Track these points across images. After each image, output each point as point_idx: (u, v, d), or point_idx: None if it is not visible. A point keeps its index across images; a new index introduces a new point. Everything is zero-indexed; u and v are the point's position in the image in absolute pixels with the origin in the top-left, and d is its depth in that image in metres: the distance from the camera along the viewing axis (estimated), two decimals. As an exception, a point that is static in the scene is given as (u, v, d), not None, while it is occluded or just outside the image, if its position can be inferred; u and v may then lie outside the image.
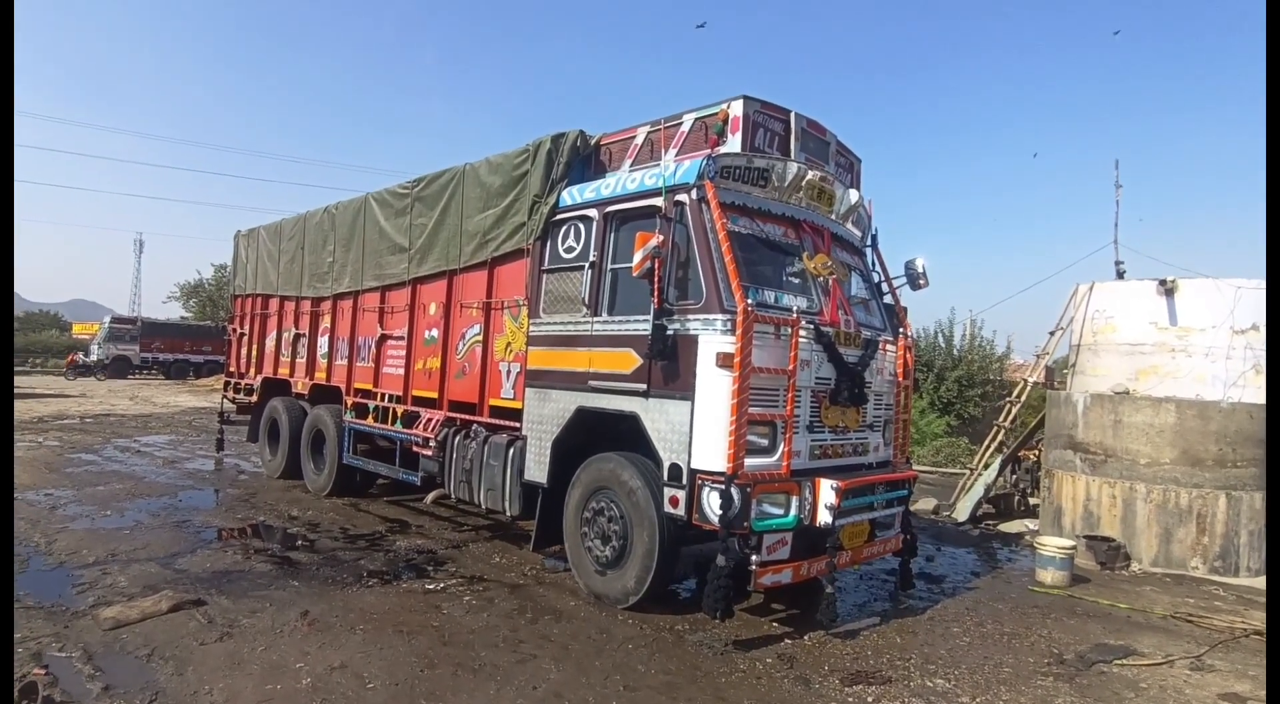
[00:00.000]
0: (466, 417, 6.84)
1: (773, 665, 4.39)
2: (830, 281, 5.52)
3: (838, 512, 4.85)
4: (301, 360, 9.65)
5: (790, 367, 4.86)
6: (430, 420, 7.19)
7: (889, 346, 6.07)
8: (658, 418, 5.05)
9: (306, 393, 9.44)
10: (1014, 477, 10.61)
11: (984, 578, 6.74)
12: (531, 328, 6.12)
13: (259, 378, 10.56)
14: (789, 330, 4.88)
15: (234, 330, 11.62)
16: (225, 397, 11.63)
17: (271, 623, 4.68)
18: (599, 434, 5.58)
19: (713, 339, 4.79)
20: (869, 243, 6.73)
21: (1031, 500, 9.96)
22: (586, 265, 5.65)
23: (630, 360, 5.25)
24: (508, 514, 6.22)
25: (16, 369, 33.91)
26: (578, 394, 5.64)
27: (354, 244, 8.67)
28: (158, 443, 12.98)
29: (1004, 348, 22.16)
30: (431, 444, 7.03)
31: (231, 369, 11.57)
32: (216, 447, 11.63)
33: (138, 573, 5.59)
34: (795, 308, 4.99)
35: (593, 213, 5.78)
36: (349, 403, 8.49)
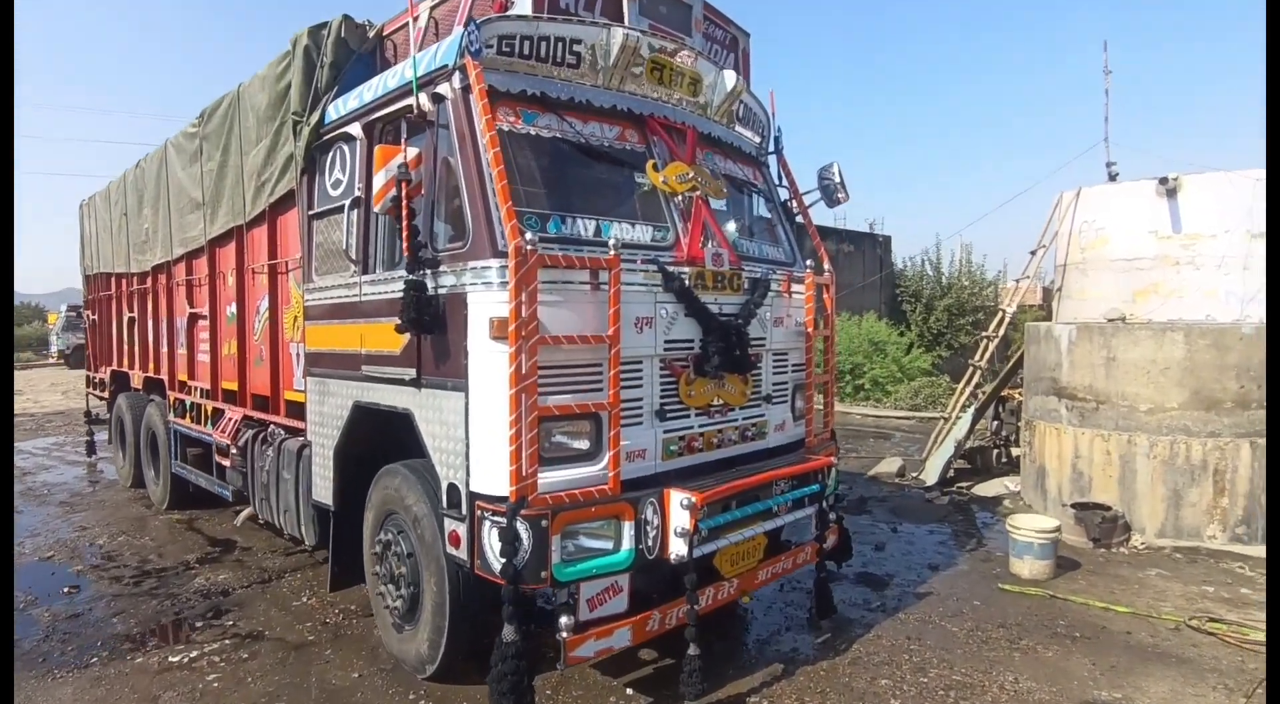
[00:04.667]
0: (264, 415, 5.30)
1: (588, 785, 2.92)
2: (693, 201, 3.87)
3: (696, 537, 3.32)
4: (136, 349, 8.08)
5: (610, 329, 3.26)
6: (230, 420, 5.66)
7: (794, 286, 4.46)
8: (431, 417, 3.49)
9: (141, 387, 7.91)
10: (995, 423, 9.09)
11: (942, 574, 5.26)
12: (306, 296, 4.53)
13: (107, 370, 9.02)
14: (608, 274, 3.27)
15: (88, 316, 10.03)
16: (89, 393, 10.13)
17: (-125, 757, 3.21)
18: (392, 440, 4.02)
19: (485, 298, 3.19)
20: (770, 148, 5.05)
21: (1014, 451, 8.45)
22: (348, 204, 3.99)
23: (399, 335, 3.66)
24: (305, 543, 4.73)
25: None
26: (354, 385, 4.08)
27: (160, 204, 6.99)
28: (34, 449, 11.49)
29: (997, 272, 20.59)
30: (233, 450, 5.52)
31: (90, 362, 10.02)
32: (87, 450, 10.17)
33: None
34: (615, 241, 3.35)
35: (355, 129, 4.11)
36: (172, 399, 6.95)
